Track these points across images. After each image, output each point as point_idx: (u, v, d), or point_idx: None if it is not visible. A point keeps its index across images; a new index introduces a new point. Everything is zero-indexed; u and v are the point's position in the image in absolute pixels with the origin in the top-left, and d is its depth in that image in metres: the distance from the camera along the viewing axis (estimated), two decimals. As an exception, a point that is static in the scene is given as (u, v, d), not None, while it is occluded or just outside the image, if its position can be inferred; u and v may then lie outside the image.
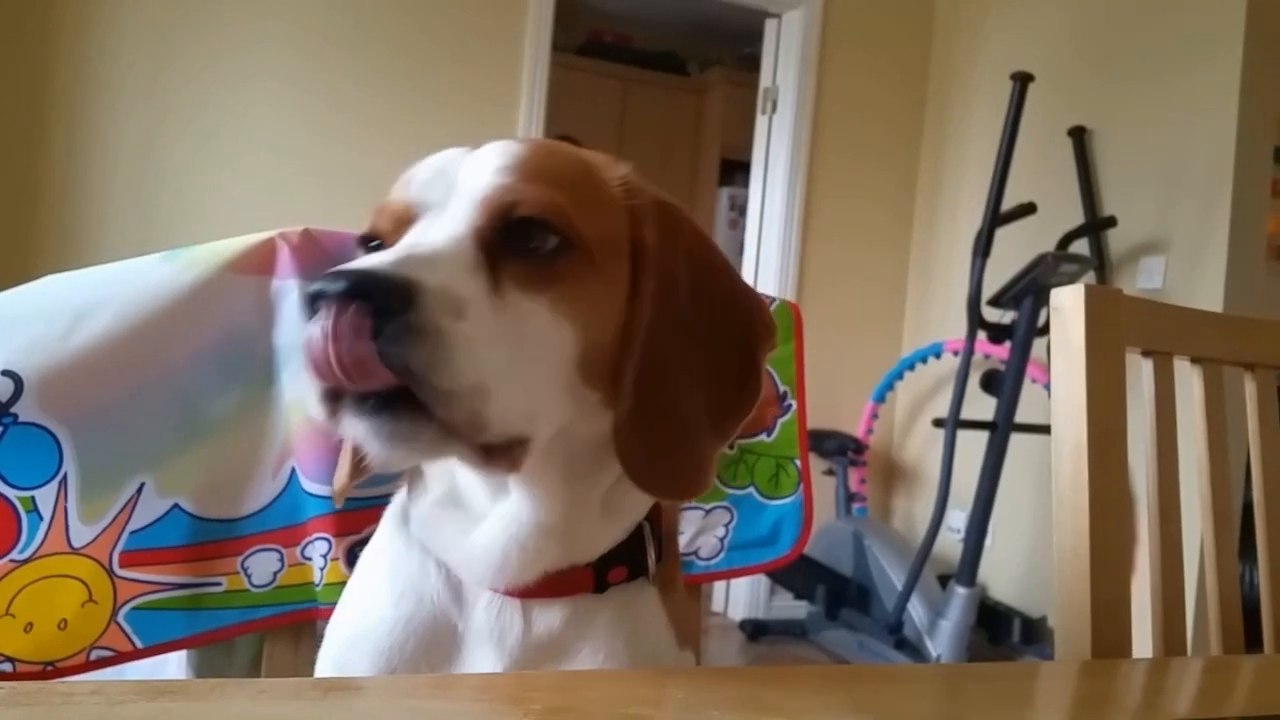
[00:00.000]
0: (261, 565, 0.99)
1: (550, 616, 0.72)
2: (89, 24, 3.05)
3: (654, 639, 0.76)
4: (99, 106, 3.08)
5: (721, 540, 1.17)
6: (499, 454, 0.59)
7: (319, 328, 0.53)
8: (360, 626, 0.76)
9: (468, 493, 0.73)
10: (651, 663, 0.74)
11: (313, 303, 0.54)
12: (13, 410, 0.87)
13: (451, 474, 0.74)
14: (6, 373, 0.87)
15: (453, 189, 0.65)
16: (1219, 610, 1.15)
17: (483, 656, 0.72)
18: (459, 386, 0.55)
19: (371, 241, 0.68)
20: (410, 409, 0.55)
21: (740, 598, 3.99)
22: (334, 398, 0.56)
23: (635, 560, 0.74)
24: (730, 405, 0.72)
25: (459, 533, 0.72)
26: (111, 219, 3.11)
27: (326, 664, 0.77)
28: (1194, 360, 1.18)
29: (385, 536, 0.80)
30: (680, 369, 0.69)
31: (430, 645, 0.73)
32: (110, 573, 0.92)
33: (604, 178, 0.71)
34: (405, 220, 0.66)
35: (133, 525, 0.93)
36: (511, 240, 0.62)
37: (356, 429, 0.56)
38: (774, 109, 4.03)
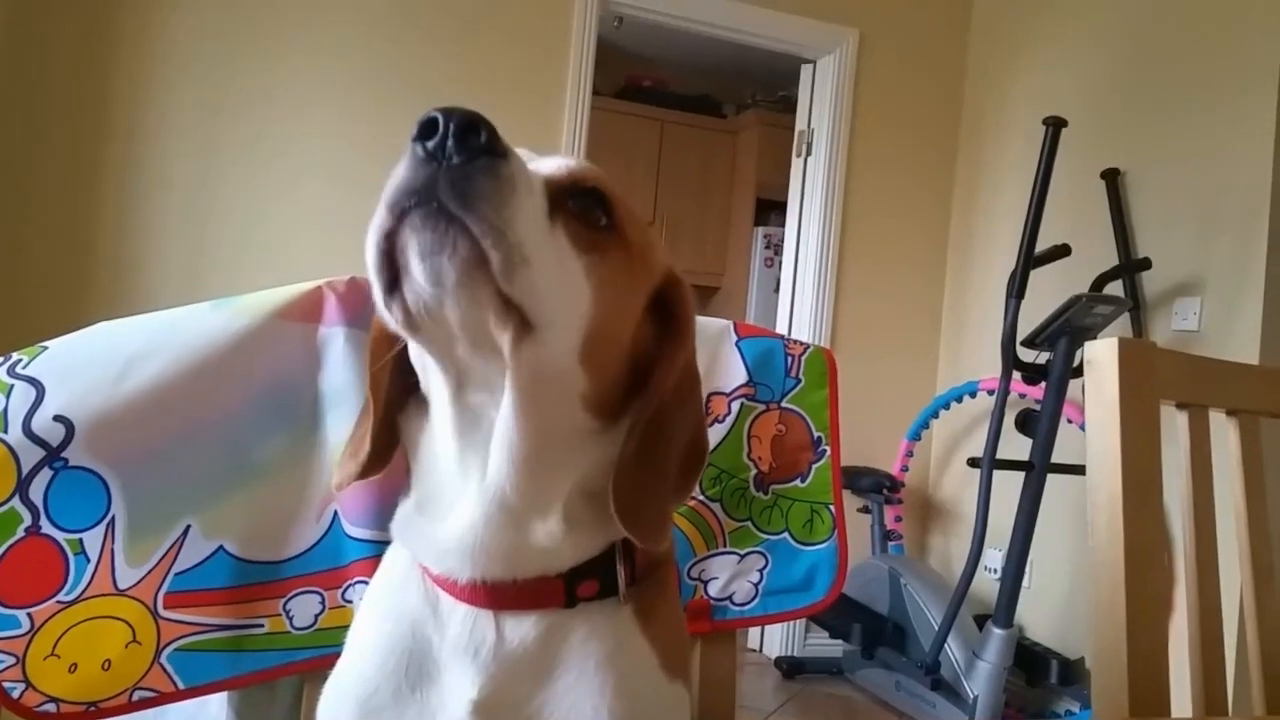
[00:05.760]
0: (303, 608, 1.00)
1: (523, 630, 0.73)
2: (143, 65, 3.12)
3: (631, 664, 0.76)
4: (153, 143, 3.13)
5: (756, 586, 1.17)
6: (512, 313, 0.62)
7: (432, 142, 0.61)
8: (354, 650, 0.79)
9: (441, 489, 0.74)
10: (631, 689, 0.75)
11: (427, 124, 0.61)
12: (63, 455, 0.89)
13: (427, 476, 0.76)
14: (58, 418, 0.89)
15: (533, 160, 0.72)
16: (1261, 666, 1.13)
17: (458, 671, 0.73)
18: (510, 231, 0.60)
19: None
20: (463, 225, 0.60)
21: (776, 636, 3.96)
22: (400, 217, 0.61)
23: (607, 577, 0.76)
24: (684, 479, 0.79)
25: (433, 527, 0.74)
26: (165, 253, 3.14)
27: (331, 687, 0.79)
28: (1229, 412, 1.17)
29: (385, 558, 0.83)
30: (674, 433, 0.76)
31: (409, 661, 0.75)
32: (154, 614, 0.94)
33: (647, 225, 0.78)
34: None
35: (178, 567, 0.95)
36: (571, 203, 0.69)
37: (417, 225, 0.60)
38: (809, 151, 4.06)
